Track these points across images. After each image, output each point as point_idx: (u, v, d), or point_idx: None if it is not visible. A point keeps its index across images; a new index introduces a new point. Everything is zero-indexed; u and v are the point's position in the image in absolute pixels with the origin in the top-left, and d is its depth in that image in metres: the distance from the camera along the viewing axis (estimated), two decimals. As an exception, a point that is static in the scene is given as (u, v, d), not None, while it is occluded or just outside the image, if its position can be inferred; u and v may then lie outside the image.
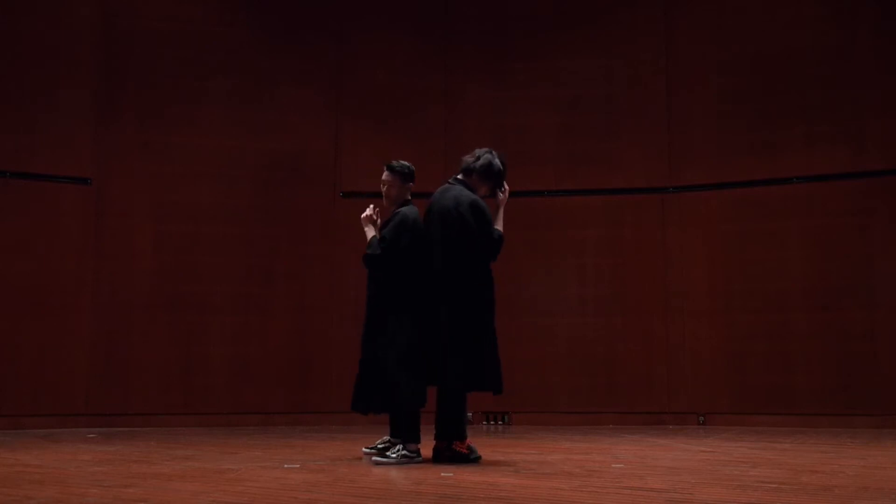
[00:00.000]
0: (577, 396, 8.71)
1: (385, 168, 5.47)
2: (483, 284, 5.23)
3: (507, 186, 5.53)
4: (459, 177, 5.46)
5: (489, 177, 5.44)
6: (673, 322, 8.57)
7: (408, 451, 5.12)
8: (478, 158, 5.48)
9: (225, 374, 8.43)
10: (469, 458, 5.12)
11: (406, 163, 5.51)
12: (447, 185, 5.46)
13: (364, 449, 5.56)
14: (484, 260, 5.26)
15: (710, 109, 8.73)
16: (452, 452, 5.11)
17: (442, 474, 4.63)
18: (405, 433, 5.17)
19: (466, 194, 5.31)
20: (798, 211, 8.35)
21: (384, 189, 5.48)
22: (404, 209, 5.36)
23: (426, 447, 5.20)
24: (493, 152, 5.53)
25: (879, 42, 8.27)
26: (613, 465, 5.10)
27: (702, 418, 8.36)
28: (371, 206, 5.44)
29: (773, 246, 8.38)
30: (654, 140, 8.84)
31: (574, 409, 8.65)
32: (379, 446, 5.46)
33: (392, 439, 5.40)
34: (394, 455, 5.11)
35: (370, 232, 5.35)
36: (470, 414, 8.72)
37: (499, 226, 5.38)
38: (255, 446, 6.21)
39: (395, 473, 4.70)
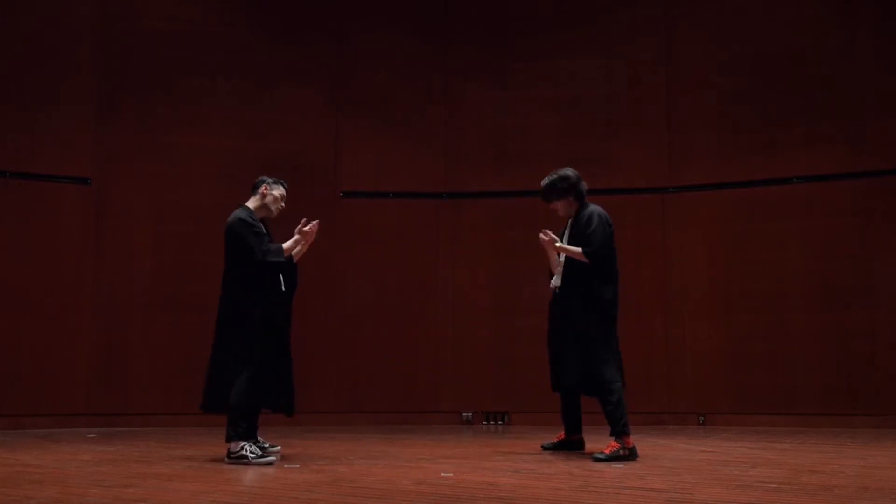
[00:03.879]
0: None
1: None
2: None
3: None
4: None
5: None
6: (673, 322, 8.56)
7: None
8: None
9: (225, 374, 8.41)
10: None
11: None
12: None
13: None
14: None
15: (710, 109, 8.73)
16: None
17: (442, 474, 4.64)
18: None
19: None
20: (798, 211, 8.35)
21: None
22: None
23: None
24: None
25: (879, 42, 8.26)
26: (613, 465, 5.10)
27: (702, 418, 8.36)
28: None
29: (773, 246, 8.38)
30: (654, 140, 8.84)
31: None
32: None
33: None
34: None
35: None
36: (470, 413, 8.73)
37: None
38: (255, 446, 6.20)
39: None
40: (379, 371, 8.72)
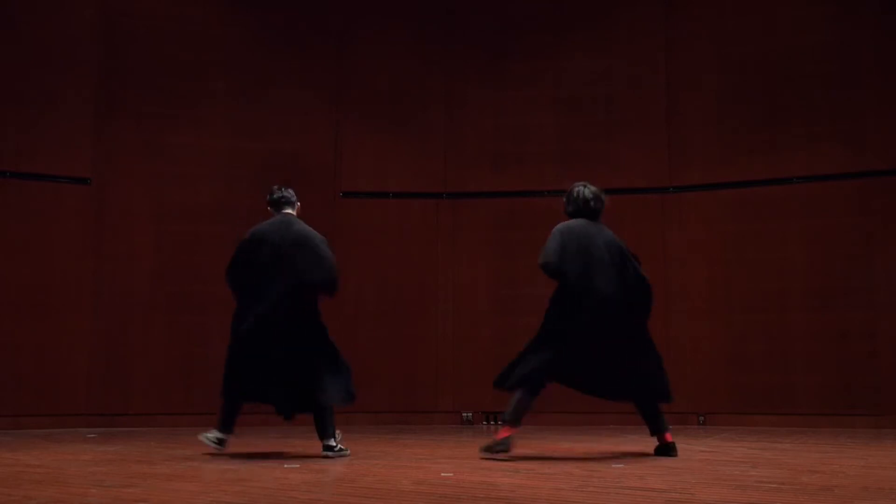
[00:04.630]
0: (576, 396, 8.65)
1: None
2: None
3: None
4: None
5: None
6: (673, 322, 8.56)
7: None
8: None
9: (225, 374, 8.41)
10: None
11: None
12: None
13: None
14: None
15: (710, 109, 8.73)
16: None
17: (442, 474, 4.63)
18: None
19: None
20: (798, 211, 8.35)
21: None
22: None
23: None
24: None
25: (879, 42, 8.26)
26: (613, 465, 5.10)
27: (702, 418, 8.35)
28: None
29: (773, 246, 8.37)
30: (654, 140, 8.84)
31: (574, 409, 8.62)
32: None
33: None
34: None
35: None
36: (470, 413, 8.73)
37: None
38: (255, 446, 6.21)
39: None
40: (379, 371, 8.71)
